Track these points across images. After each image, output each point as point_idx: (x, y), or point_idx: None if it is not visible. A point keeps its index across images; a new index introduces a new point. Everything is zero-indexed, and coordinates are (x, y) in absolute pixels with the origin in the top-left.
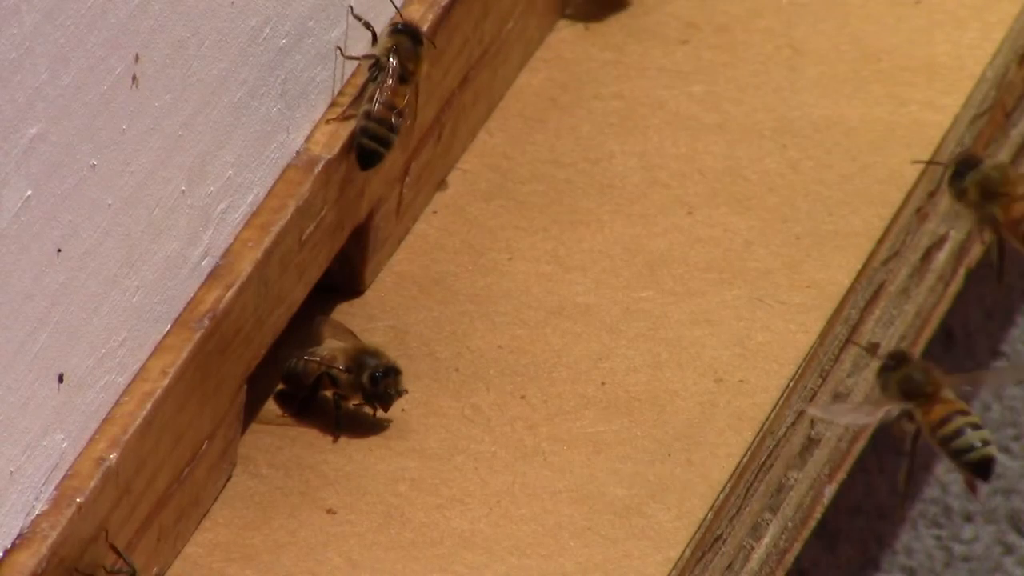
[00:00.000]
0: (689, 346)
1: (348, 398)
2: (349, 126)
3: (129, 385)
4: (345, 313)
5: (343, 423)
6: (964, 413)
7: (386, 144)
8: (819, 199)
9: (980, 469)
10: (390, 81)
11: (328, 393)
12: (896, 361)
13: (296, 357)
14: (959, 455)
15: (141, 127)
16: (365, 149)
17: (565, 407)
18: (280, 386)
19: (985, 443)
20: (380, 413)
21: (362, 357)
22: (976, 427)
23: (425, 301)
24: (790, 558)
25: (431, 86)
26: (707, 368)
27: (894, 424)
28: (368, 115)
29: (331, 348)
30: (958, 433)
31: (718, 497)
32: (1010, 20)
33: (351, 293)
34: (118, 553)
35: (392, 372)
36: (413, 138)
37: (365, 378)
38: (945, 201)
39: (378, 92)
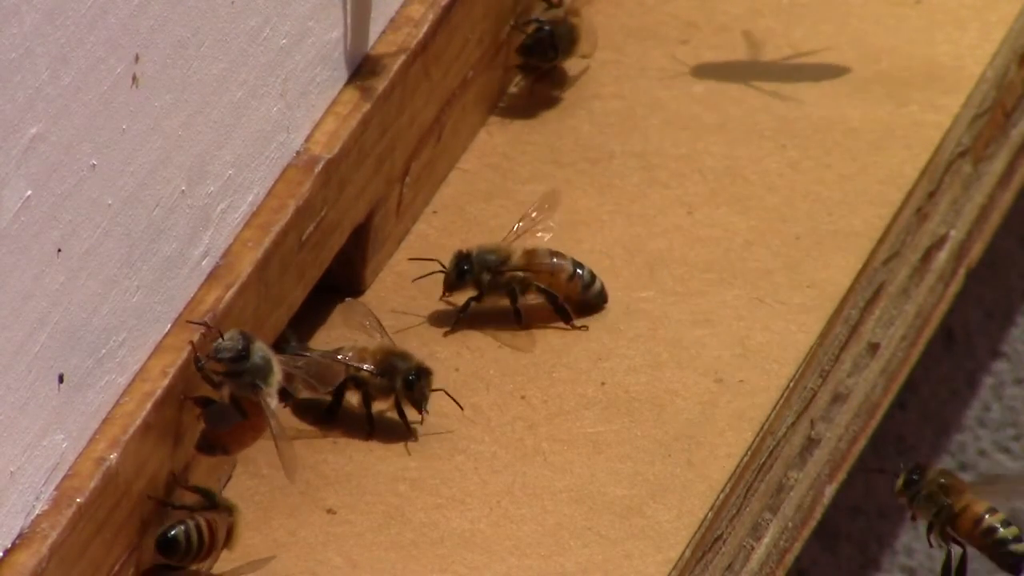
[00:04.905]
0: (689, 346)
1: (375, 400)
2: (349, 126)
3: (129, 385)
4: None
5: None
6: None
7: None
8: (819, 199)
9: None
10: None
11: (353, 396)
12: (918, 475)
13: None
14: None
15: (141, 127)
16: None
17: (565, 407)
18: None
19: (1018, 538)
20: (377, 413)
21: (392, 359)
22: (1008, 523)
23: (425, 301)
24: (790, 558)
25: (431, 86)
26: (707, 368)
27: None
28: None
29: (354, 348)
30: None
31: (718, 497)
32: (1010, 20)
33: (351, 293)
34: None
35: (425, 374)
36: (413, 137)
37: (399, 383)
38: (945, 201)
39: None
